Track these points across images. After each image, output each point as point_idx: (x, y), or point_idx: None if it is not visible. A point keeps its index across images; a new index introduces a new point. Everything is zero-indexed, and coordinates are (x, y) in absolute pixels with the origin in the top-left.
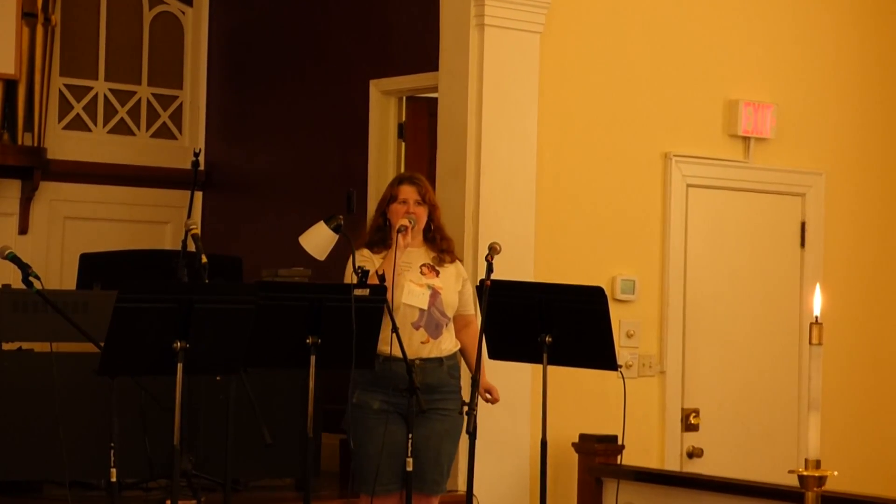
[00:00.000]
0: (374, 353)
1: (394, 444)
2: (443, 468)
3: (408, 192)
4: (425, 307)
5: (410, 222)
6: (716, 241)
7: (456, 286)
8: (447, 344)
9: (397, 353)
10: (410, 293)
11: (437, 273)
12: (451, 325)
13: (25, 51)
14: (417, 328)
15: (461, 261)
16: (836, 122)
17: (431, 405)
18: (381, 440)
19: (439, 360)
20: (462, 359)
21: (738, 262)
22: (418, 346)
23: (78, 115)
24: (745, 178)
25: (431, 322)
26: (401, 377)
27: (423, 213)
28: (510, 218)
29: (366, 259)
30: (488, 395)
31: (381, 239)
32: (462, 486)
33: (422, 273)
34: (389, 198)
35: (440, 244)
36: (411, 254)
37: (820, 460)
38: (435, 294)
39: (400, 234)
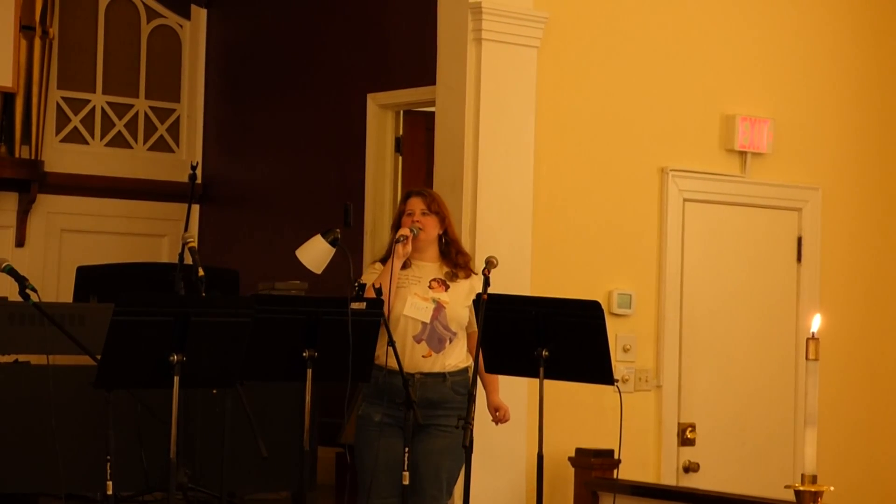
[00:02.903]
0: (370, 367)
1: (392, 457)
2: (442, 484)
3: (414, 203)
4: (427, 320)
5: (412, 231)
6: (712, 256)
7: (465, 301)
8: (453, 360)
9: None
10: (413, 306)
11: (447, 287)
12: (462, 341)
13: (23, 63)
14: (419, 341)
15: (477, 274)
16: (832, 136)
17: (433, 420)
18: (379, 453)
19: (442, 375)
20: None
21: (734, 276)
22: (419, 359)
23: (75, 127)
24: (741, 192)
25: (434, 336)
26: (398, 390)
27: (430, 223)
28: (507, 232)
29: (375, 272)
30: (496, 414)
31: None
32: (458, 500)
33: (430, 287)
34: (399, 213)
35: (455, 258)
36: (424, 268)
37: (816, 475)
38: (439, 308)
39: (399, 244)
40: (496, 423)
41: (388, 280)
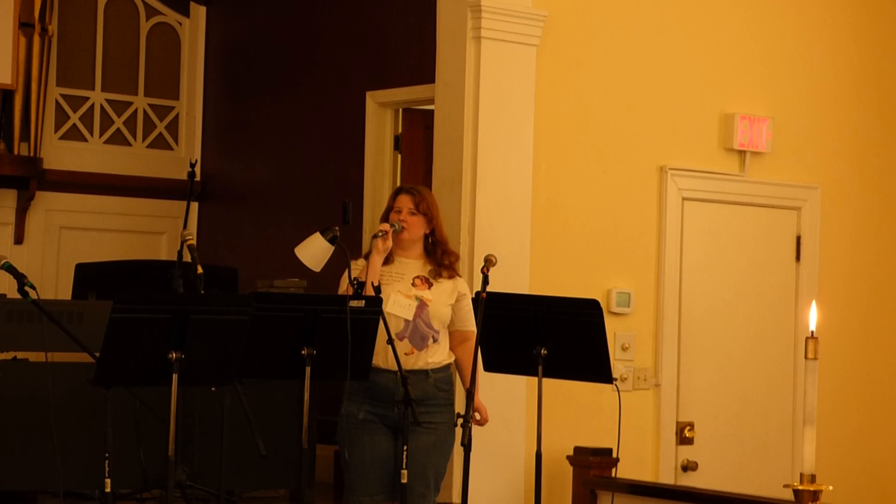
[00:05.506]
0: (369, 365)
1: (379, 455)
2: (429, 481)
3: (403, 201)
4: (410, 318)
5: (392, 227)
6: (711, 255)
7: (448, 300)
8: (436, 357)
9: (382, 364)
10: (396, 303)
11: (430, 286)
12: (444, 339)
13: (22, 61)
14: (401, 339)
15: (460, 276)
16: (831, 135)
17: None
18: (364, 450)
19: (424, 372)
20: (457, 372)
21: (733, 275)
22: (402, 357)
23: (74, 125)
24: (740, 191)
25: (416, 334)
26: (384, 388)
27: (415, 223)
28: (506, 230)
29: (360, 269)
30: (477, 416)
31: None
32: (457, 499)
33: (413, 285)
34: (388, 209)
35: (440, 258)
36: (406, 264)
37: (815, 474)
38: (422, 306)
39: (379, 239)
40: (477, 425)
41: (369, 274)
